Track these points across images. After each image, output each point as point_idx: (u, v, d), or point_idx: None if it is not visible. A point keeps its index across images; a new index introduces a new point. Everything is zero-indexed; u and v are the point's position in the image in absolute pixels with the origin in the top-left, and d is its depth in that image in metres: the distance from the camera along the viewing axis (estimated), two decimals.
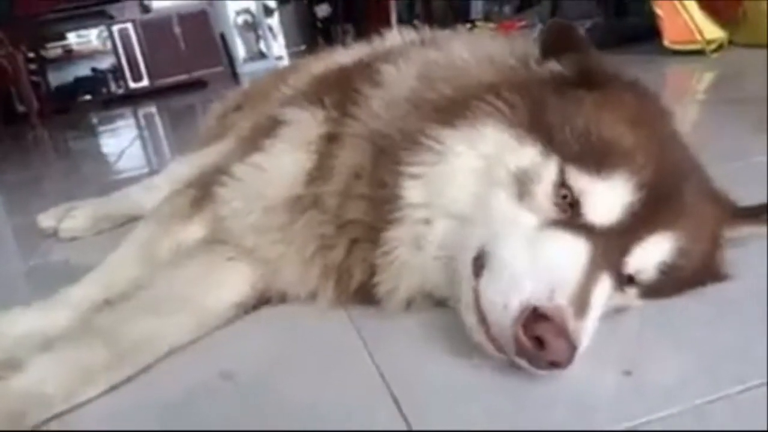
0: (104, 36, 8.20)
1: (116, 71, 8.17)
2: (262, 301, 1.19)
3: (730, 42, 3.04)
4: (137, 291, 1.13)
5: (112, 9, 8.13)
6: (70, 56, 8.19)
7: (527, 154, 0.92)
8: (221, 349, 1.08)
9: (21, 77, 7.39)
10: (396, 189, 0.99)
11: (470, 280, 0.90)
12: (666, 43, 3.15)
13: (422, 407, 0.85)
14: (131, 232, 1.29)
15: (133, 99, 7.91)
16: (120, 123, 7.11)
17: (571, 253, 0.84)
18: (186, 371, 1.03)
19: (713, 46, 2.97)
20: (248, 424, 0.87)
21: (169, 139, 5.49)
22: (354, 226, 1.06)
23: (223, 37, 8.58)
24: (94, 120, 7.32)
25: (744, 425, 0.72)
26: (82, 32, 8.25)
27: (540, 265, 0.82)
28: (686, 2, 3.06)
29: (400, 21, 7.23)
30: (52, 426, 0.92)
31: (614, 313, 0.93)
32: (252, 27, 8.99)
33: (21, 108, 7.49)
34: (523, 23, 5.22)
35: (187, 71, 8.14)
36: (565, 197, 0.88)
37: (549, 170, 0.90)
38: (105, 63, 8.25)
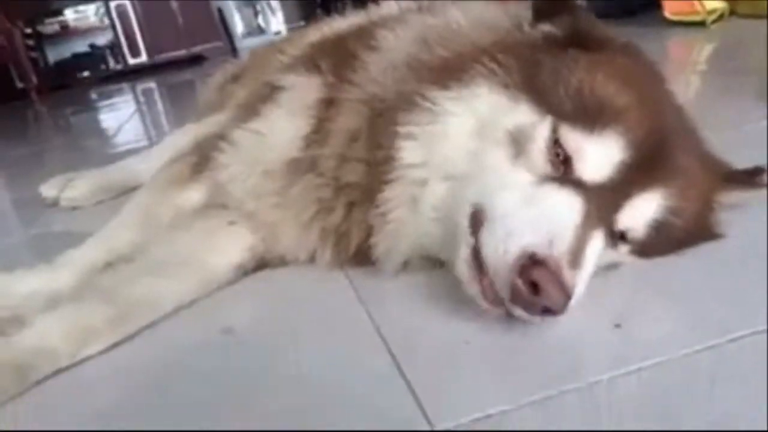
0: (102, 12, 8.16)
1: (114, 47, 8.14)
2: (262, 264, 1.21)
3: (731, 13, 3.02)
4: (138, 254, 1.15)
5: None
6: (67, 32, 8.16)
7: (521, 114, 0.94)
8: (222, 309, 1.10)
9: (19, 54, 7.37)
10: (392, 150, 1.01)
11: (467, 236, 0.91)
12: (666, 14, 3.13)
13: (419, 362, 0.86)
14: (132, 196, 1.31)
15: (131, 75, 7.89)
16: (119, 98, 7.10)
17: (566, 206, 0.86)
18: (187, 328, 1.05)
19: (714, 17, 2.95)
20: (248, 376, 0.90)
21: (168, 114, 5.49)
22: (351, 189, 1.08)
23: (221, 12, 8.52)
24: (93, 96, 7.31)
25: (730, 372, 0.74)
26: (80, 8, 8.20)
27: (537, 216, 0.84)
28: None
29: None
30: (59, 380, 0.95)
31: (607, 269, 0.95)
32: (250, 1, 8.91)
33: (20, 84, 7.48)
34: None
35: (185, 47, 8.10)
36: (558, 155, 0.90)
37: (543, 128, 0.91)
38: (103, 39, 8.22)
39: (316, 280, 1.14)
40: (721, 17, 2.97)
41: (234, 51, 8.43)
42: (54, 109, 6.94)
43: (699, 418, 0.68)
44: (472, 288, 0.89)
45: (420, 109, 0.99)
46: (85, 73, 8.05)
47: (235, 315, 1.07)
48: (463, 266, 0.90)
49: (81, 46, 8.23)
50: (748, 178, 1.06)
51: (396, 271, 1.07)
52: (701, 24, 2.97)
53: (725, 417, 0.67)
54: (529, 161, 0.91)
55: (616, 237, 0.93)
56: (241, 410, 0.82)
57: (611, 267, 0.96)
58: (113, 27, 8.05)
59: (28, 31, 7.59)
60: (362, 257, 1.09)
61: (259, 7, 9.29)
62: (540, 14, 1.02)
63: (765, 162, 1.08)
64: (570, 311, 0.81)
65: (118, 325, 1.01)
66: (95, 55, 8.16)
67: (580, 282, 0.82)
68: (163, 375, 0.94)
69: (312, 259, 1.17)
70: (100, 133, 4.83)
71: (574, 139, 0.89)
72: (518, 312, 0.83)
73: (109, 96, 7.25)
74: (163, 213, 1.25)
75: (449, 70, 1.01)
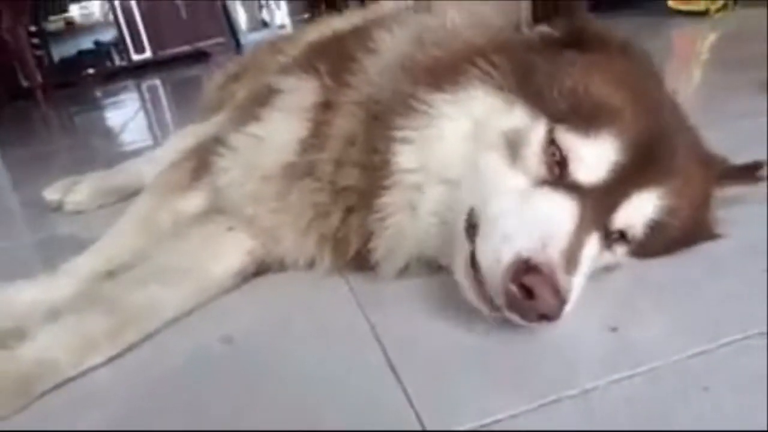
0: (106, 8, 8.16)
1: (119, 43, 8.14)
2: (261, 269, 1.21)
3: (735, 1, 3.00)
4: (139, 261, 1.16)
5: None
6: (72, 29, 8.16)
7: (516, 116, 0.93)
8: (221, 316, 1.11)
9: (24, 51, 7.38)
10: (388, 154, 1.01)
11: (464, 241, 0.92)
12: (670, 3, 3.12)
13: (416, 368, 0.87)
14: (132, 203, 1.31)
15: (136, 71, 7.90)
16: (124, 96, 7.11)
17: (560, 211, 0.86)
18: (187, 337, 1.06)
19: (717, 6, 2.93)
20: (247, 385, 0.90)
21: (173, 112, 5.51)
22: (349, 194, 1.08)
23: (224, 7, 8.52)
24: (99, 94, 7.33)
25: (720, 378, 0.74)
26: (84, 4, 8.20)
27: (531, 221, 0.84)
28: None
29: None
30: (61, 391, 0.96)
31: (603, 271, 0.95)
32: None
33: (25, 83, 7.50)
34: None
35: (189, 42, 8.09)
36: (554, 157, 0.90)
37: (537, 131, 0.91)
38: (107, 35, 8.22)
39: (314, 285, 1.14)
40: (724, 7, 2.96)
41: (238, 46, 8.43)
42: (59, 108, 6.95)
43: (693, 424, 0.68)
44: (471, 294, 0.89)
45: (415, 112, 0.99)
46: (90, 70, 8.05)
47: (234, 323, 1.08)
48: (461, 272, 0.91)
49: (86, 43, 8.24)
50: (747, 173, 1.06)
51: (395, 276, 1.07)
52: (705, 14, 2.95)
53: (719, 422, 0.67)
54: (525, 164, 0.91)
55: (613, 238, 0.93)
56: (240, 419, 0.83)
57: (608, 269, 0.96)
58: (117, 23, 8.05)
59: (33, 29, 7.59)
60: (361, 262, 1.10)
61: (263, 1, 9.29)
62: (538, 15, 1.01)
63: (765, 158, 1.08)
64: (566, 315, 0.81)
65: (119, 334, 1.02)
66: (100, 52, 8.16)
67: (576, 286, 0.83)
68: (163, 385, 0.95)
69: (311, 264, 1.17)
70: (106, 132, 4.84)
71: (569, 141, 0.89)
72: (514, 318, 0.83)
73: (114, 94, 7.26)
74: (163, 219, 1.26)
75: (444, 70, 1.00)
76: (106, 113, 6.16)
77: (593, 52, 0.97)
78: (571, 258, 0.82)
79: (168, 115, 5.65)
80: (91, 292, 1.10)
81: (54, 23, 8.00)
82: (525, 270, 0.79)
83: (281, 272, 1.21)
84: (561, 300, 0.79)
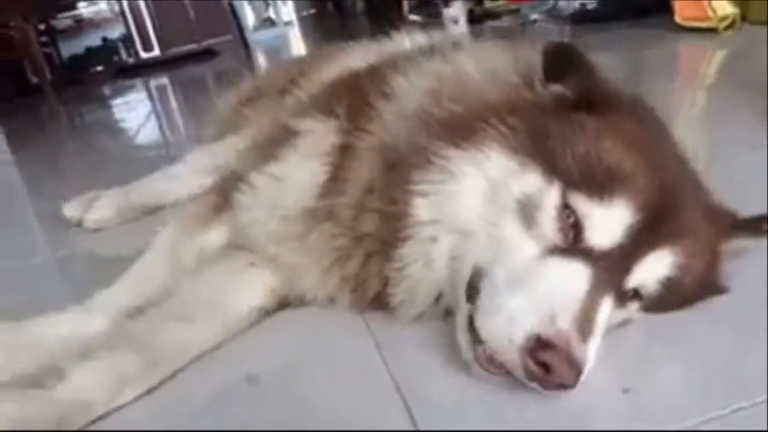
0: (114, 5, 8.19)
1: (127, 41, 8.17)
2: (282, 304, 1.26)
3: (743, 18, 3.02)
4: (165, 298, 1.21)
5: None
6: (80, 26, 8.20)
7: (530, 180, 0.97)
8: (244, 354, 1.16)
9: (32, 48, 7.42)
10: (406, 206, 1.05)
11: (463, 302, 0.97)
12: (678, 19, 3.14)
13: (431, 415, 0.92)
14: (156, 236, 1.36)
15: (144, 69, 7.93)
16: (133, 95, 7.15)
17: (572, 279, 0.89)
18: (211, 375, 1.11)
19: (725, 23, 2.95)
20: (270, 426, 0.95)
21: (183, 113, 5.55)
22: (369, 240, 1.12)
23: (231, 5, 8.54)
24: (107, 92, 7.37)
25: None
26: (93, 1, 8.23)
27: (540, 294, 0.87)
28: None
29: None
30: (93, 427, 1.01)
31: (615, 327, 0.99)
32: None
33: (34, 79, 7.55)
34: None
35: (197, 41, 8.13)
36: (567, 222, 0.93)
37: (551, 195, 0.95)
38: (115, 32, 8.25)
39: (334, 324, 1.19)
40: (732, 24, 2.98)
41: (245, 45, 8.46)
42: (69, 106, 7.00)
43: None
44: (468, 355, 0.94)
45: (432, 166, 1.03)
46: (99, 68, 8.09)
47: (257, 361, 1.12)
48: (460, 332, 0.96)
49: (94, 40, 8.27)
50: (754, 226, 1.10)
51: (413, 319, 1.11)
52: (713, 30, 2.98)
53: None
54: (538, 229, 0.94)
55: (626, 296, 0.97)
56: None
57: (621, 324, 1.00)
58: (125, 20, 8.08)
59: (42, 26, 7.62)
60: (380, 302, 1.14)
61: (269, 0, 9.30)
62: (550, 74, 1.05)
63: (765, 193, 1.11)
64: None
65: (149, 372, 1.07)
66: (108, 49, 8.20)
67: (591, 351, 0.86)
68: (189, 423, 1.00)
69: (331, 301, 1.22)
70: (118, 134, 4.88)
71: (583, 206, 0.92)
72: (534, 386, 0.86)
73: (122, 91, 7.30)
74: (187, 254, 1.31)
75: (460, 127, 1.04)
76: (115, 111, 6.21)
77: (604, 114, 1.00)
78: (585, 324, 0.85)
79: (176, 113, 5.70)
80: (121, 329, 1.15)
81: (63, 20, 8.03)
82: (539, 347, 0.82)
83: (301, 306, 1.26)
84: (577, 370, 0.82)
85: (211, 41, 8.11)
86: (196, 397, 1.06)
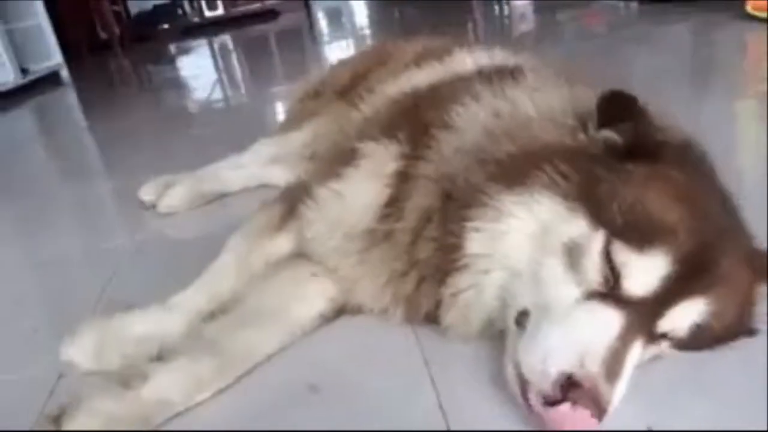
0: None
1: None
2: (341, 311, 1.37)
3: None
4: (236, 303, 1.34)
5: None
6: None
7: (577, 226, 1.03)
8: (302, 360, 1.27)
9: (103, 5, 7.66)
10: (461, 239, 1.13)
11: (515, 335, 1.05)
12: (748, 8, 3.04)
13: None
14: (228, 242, 1.47)
15: (208, 27, 8.09)
16: (198, 53, 7.29)
17: (606, 324, 0.96)
18: (274, 380, 1.23)
19: None
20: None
21: (245, 74, 5.67)
22: (423, 264, 1.21)
23: None
24: (173, 50, 7.55)
25: None
26: None
27: (576, 336, 0.95)
28: None
29: None
30: (167, 427, 1.14)
31: (647, 361, 1.06)
32: None
33: (103, 35, 7.80)
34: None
35: (260, 0, 8.20)
36: (610, 268, 0.99)
37: (596, 242, 1.00)
38: None
39: (387, 337, 1.29)
40: None
41: (307, 6, 8.48)
42: (136, 62, 7.23)
43: None
44: (513, 387, 1.03)
45: (486, 206, 1.10)
46: (165, 26, 8.28)
47: (316, 370, 1.23)
48: (508, 364, 1.04)
49: None
50: None
51: (463, 340, 1.21)
52: None
53: None
54: (581, 273, 1.01)
55: (657, 338, 1.03)
56: None
57: (652, 359, 1.07)
58: None
59: None
60: (431, 319, 1.24)
61: None
62: (604, 120, 1.09)
63: None
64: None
65: (222, 374, 1.20)
66: (174, 7, 8.36)
67: (618, 392, 0.93)
68: (253, 425, 1.12)
69: (385, 313, 1.32)
70: (181, 86, 5.03)
71: (624, 255, 0.97)
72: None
73: (188, 50, 7.47)
74: (256, 261, 1.42)
75: (515, 170, 1.10)
76: (183, 72, 6.37)
77: (653, 163, 1.04)
78: (614, 368, 0.92)
79: (239, 74, 5.84)
80: (196, 332, 1.28)
81: None
82: (569, 386, 0.90)
83: (356, 314, 1.37)
84: (602, 410, 0.90)
85: (275, 1, 8.18)
86: (259, 401, 1.18)
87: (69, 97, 5.63)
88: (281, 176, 2.12)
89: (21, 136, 4.36)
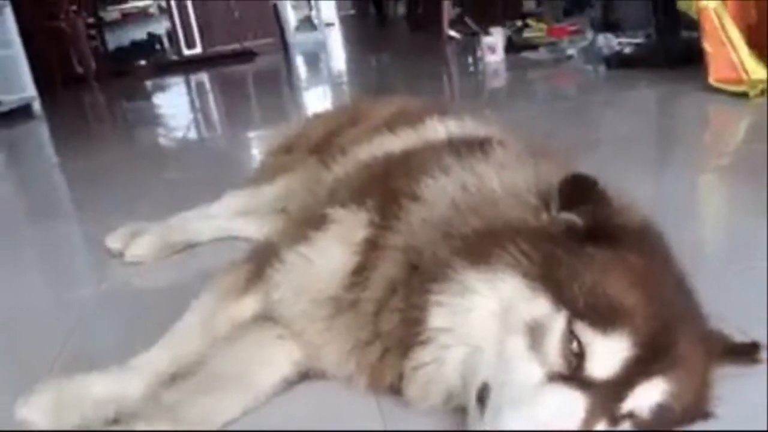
0: (161, 1, 8.40)
1: (171, 36, 8.37)
2: (304, 376, 1.37)
3: None
4: (198, 366, 1.33)
5: None
6: (127, 20, 8.43)
7: (539, 306, 1.05)
8: (261, 424, 1.27)
9: (81, 40, 7.67)
10: (424, 313, 1.14)
11: (476, 411, 1.06)
12: (711, 80, 3.17)
13: None
14: (193, 302, 1.46)
15: (185, 65, 8.13)
16: (174, 89, 7.30)
17: (569, 407, 0.97)
18: None
19: (757, 90, 2.99)
20: None
21: (221, 112, 5.69)
22: (388, 336, 1.22)
23: (275, 7, 8.68)
24: (150, 87, 7.56)
25: None
26: None
27: (539, 419, 0.96)
28: (734, 39, 3.06)
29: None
30: None
31: None
32: None
33: (79, 69, 7.78)
34: (574, 27, 5.22)
35: (239, 41, 8.29)
36: (571, 348, 1.01)
37: (558, 323, 1.02)
38: (160, 28, 8.46)
39: (348, 404, 1.29)
40: (763, 92, 3.01)
41: (285, 47, 8.60)
42: (111, 97, 7.21)
43: None
44: None
45: (451, 281, 1.12)
46: (142, 62, 8.30)
47: None
48: None
49: (139, 34, 8.49)
50: (746, 352, 1.17)
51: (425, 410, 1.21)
52: (744, 95, 3.01)
53: None
54: (543, 354, 1.02)
55: (620, 419, 1.04)
56: None
57: None
58: (171, 17, 8.27)
59: (91, 20, 7.85)
60: (396, 389, 1.24)
61: (312, 1, 9.40)
62: (565, 203, 1.13)
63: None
64: None
65: None
66: (152, 44, 8.41)
67: None
68: None
69: (349, 380, 1.32)
70: (154, 121, 5.01)
71: (586, 336, 1.00)
72: None
73: (164, 87, 7.48)
74: (220, 324, 1.41)
75: (479, 247, 1.13)
76: (155, 105, 6.37)
77: (611, 247, 1.08)
78: None
79: (215, 112, 5.86)
80: (155, 398, 1.27)
81: (111, 13, 8.26)
82: None
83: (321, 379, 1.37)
84: None
85: (252, 42, 8.27)
86: None
87: (41, 131, 5.58)
88: (251, 229, 2.13)
89: None
